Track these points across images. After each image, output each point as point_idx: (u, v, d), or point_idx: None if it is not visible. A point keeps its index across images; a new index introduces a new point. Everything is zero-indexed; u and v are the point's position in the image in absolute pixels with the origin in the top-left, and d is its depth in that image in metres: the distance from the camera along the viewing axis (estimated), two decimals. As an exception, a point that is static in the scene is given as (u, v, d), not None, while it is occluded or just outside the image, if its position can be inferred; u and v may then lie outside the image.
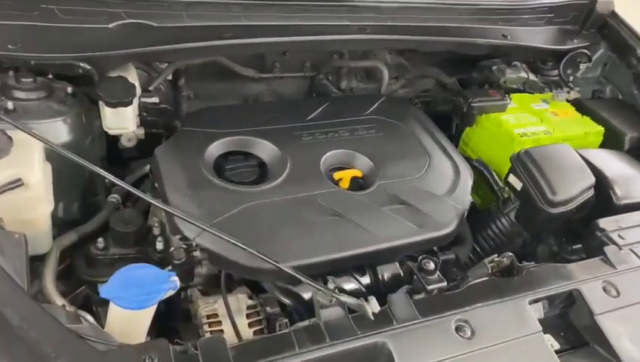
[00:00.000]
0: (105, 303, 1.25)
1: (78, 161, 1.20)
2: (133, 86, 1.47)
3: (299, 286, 1.34)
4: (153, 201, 1.21)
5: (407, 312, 1.13)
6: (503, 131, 1.80)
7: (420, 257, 1.27)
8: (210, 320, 1.33)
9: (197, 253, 1.38)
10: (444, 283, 1.23)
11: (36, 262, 1.35)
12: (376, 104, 1.81)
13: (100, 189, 1.63)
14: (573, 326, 1.32)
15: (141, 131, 1.65)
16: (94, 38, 1.48)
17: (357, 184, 1.58)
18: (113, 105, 1.43)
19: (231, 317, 1.32)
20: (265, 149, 1.57)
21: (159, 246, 1.42)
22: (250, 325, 1.35)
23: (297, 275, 1.14)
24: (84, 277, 1.41)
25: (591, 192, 1.56)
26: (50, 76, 1.51)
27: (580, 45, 2.12)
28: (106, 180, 1.60)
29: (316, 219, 1.40)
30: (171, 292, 1.06)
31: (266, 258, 1.15)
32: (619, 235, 1.45)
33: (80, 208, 1.56)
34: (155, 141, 1.64)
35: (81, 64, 1.46)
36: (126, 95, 1.44)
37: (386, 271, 1.43)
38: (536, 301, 1.24)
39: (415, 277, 1.25)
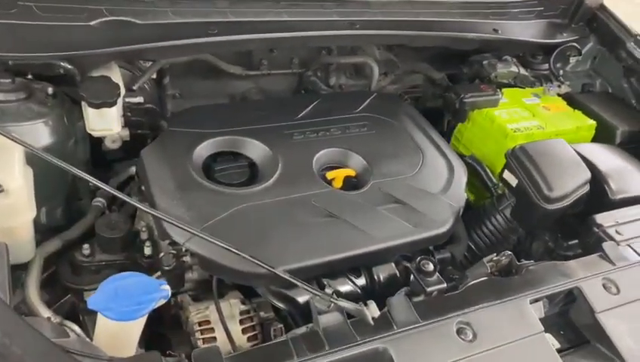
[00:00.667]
0: (92, 312, 1.21)
1: (61, 165, 1.14)
2: (117, 85, 1.42)
3: (293, 289, 1.30)
4: (140, 206, 1.16)
5: (407, 316, 1.10)
6: (495, 127, 1.78)
7: (419, 258, 1.24)
8: (202, 327, 1.29)
9: (187, 258, 1.34)
10: (444, 285, 1.20)
11: (18, 271, 1.30)
12: (368, 101, 1.78)
13: (84, 193, 1.58)
14: (573, 324, 1.30)
15: (126, 132, 1.60)
16: (75, 36, 1.43)
17: (350, 183, 1.54)
18: (97, 106, 1.37)
19: (224, 324, 1.28)
20: (255, 149, 1.53)
21: (147, 251, 1.38)
22: (243, 331, 1.31)
23: (293, 280, 1.10)
24: (70, 285, 1.36)
25: (586, 187, 1.54)
26: (30, 76, 1.45)
27: (569, 39, 2.11)
28: (91, 184, 1.57)
29: (310, 220, 1.36)
30: (162, 302, 1.02)
31: (259, 262, 1.11)
32: (616, 231, 1.43)
33: (64, 213, 1.51)
34: (140, 142, 1.59)
35: (61, 63, 1.41)
36: (110, 95, 1.38)
37: (382, 272, 1.40)
38: (536, 300, 1.22)
39: (413, 279, 1.22)
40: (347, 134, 1.63)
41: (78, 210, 1.55)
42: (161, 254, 1.29)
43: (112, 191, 1.16)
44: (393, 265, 1.41)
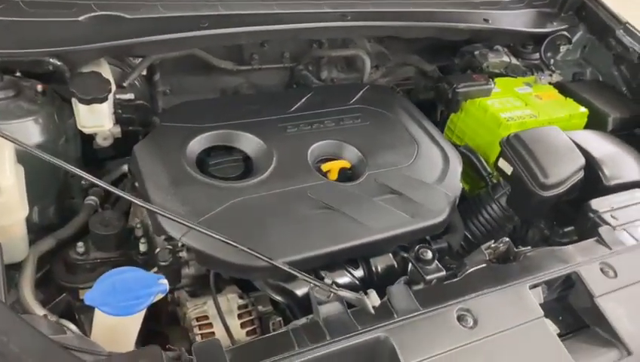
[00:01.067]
0: (88, 310, 1.19)
1: (54, 162, 1.12)
2: (108, 81, 1.40)
3: (291, 282, 1.29)
4: (136, 200, 1.14)
5: (408, 304, 1.09)
6: (489, 116, 1.78)
7: (417, 247, 1.24)
8: (200, 323, 1.28)
9: (183, 254, 1.32)
10: (443, 273, 1.20)
11: (12, 271, 1.28)
12: (361, 93, 1.77)
13: (76, 192, 1.56)
14: (571, 309, 1.30)
15: (117, 129, 1.58)
16: (64, 32, 1.41)
17: (346, 175, 1.54)
18: (87, 102, 1.36)
19: (222, 318, 1.26)
20: (249, 143, 1.51)
21: (143, 248, 1.36)
22: (242, 325, 1.30)
23: (292, 271, 1.10)
24: (65, 284, 1.35)
25: (581, 174, 1.55)
26: (18, 74, 1.43)
27: (559, 28, 2.11)
28: (83, 181, 1.55)
29: (306, 212, 1.35)
30: (160, 296, 1.00)
31: (258, 254, 1.10)
32: (612, 216, 1.44)
33: (56, 212, 1.49)
34: (131, 139, 1.57)
35: (50, 60, 1.39)
36: (100, 91, 1.37)
37: (380, 263, 1.39)
38: (535, 286, 1.22)
39: (412, 267, 1.22)
40: (341, 126, 1.63)
41: (71, 208, 1.53)
42: (157, 250, 1.28)
43: (107, 187, 1.13)
44: (391, 255, 1.41)
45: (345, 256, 1.35)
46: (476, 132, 1.82)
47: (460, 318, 1.09)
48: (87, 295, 0.96)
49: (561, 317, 1.29)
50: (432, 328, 1.07)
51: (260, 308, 1.35)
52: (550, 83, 2.03)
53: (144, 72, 1.75)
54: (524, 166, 1.51)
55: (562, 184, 1.50)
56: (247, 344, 1.01)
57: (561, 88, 2.02)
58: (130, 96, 1.62)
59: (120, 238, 1.38)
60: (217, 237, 1.10)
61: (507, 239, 1.30)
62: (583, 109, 1.91)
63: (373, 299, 1.07)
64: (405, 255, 1.35)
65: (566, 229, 1.62)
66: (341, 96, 1.76)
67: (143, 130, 1.65)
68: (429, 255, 1.22)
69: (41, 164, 1.35)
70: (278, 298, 1.30)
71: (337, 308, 1.07)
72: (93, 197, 1.52)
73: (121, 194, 1.14)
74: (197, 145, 1.47)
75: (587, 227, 1.44)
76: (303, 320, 1.12)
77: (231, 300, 1.34)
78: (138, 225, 1.40)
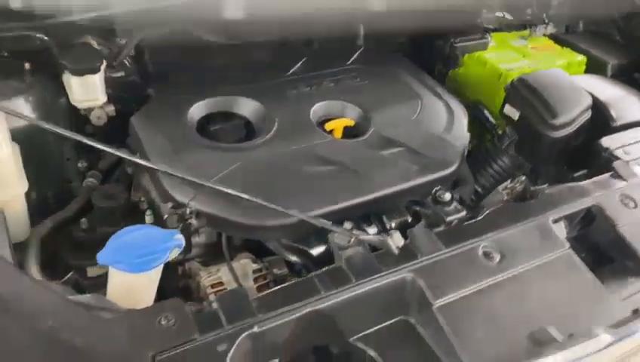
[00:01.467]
0: (97, 288, 1.14)
1: (55, 130, 1.08)
2: (99, 51, 1.36)
3: (306, 242, 1.25)
4: (141, 161, 1.10)
5: (431, 244, 1.06)
6: (488, 69, 1.76)
7: (434, 190, 1.20)
8: (215, 289, 1.23)
9: (193, 221, 1.28)
10: (464, 212, 1.17)
11: (15, 252, 1.23)
12: (357, 54, 1.74)
13: (73, 175, 1.52)
14: (592, 247, 1.27)
15: (111, 107, 1.53)
16: (47, 5, 1.35)
17: (350, 133, 1.50)
18: (80, 73, 1.31)
19: (237, 282, 1.22)
20: (249, 107, 1.47)
21: (149, 220, 1.32)
22: (258, 289, 1.25)
23: (311, 220, 1.06)
24: (71, 263, 1.30)
25: (589, 113, 1.52)
26: (5, 54, 1.38)
27: (549, -20, 2.09)
28: (79, 164, 1.51)
29: (315, 170, 1.31)
30: (177, 252, 0.96)
31: (276, 207, 1.06)
32: (624, 151, 1.42)
33: (54, 196, 1.45)
34: (126, 121, 1.53)
35: (37, 35, 1.33)
36: (92, 61, 1.32)
37: (393, 219, 1.35)
38: (557, 221, 1.19)
39: (430, 211, 1.18)
40: (341, 86, 1.59)
41: (69, 192, 1.48)
42: (165, 216, 1.23)
43: (108, 150, 1.09)
44: (404, 210, 1.37)
45: (357, 212, 1.31)
46: (476, 86, 1.80)
47: (485, 255, 1.06)
48: (99, 255, 0.92)
49: (584, 255, 1.26)
50: (458, 266, 1.04)
51: (275, 271, 1.31)
52: (545, 35, 2.01)
53: (133, 53, 1.70)
54: (532, 108, 1.48)
55: (571, 124, 1.48)
56: (271, 292, 0.97)
57: (556, 40, 2.00)
58: (121, 74, 1.57)
59: (124, 211, 1.34)
60: (230, 191, 1.06)
61: (524, 177, 1.28)
62: (581, 57, 1.89)
63: (396, 240, 1.04)
64: (418, 208, 1.32)
65: (577, 174, 1.59)
66: (337, 57, 1.72)
67: (136, 107, 1.60)
68: (447, 196, 1.18)
69: (35, 146, 1.31)
70: (294, 258, 1.26)
71: (360, 251, 1.04)
72: (91, 179, 1.48)
73: (126, 157, 1.10)
74: (196, 111, 1.43)
75: (600, 164, 1.41)
76: (324, 269, 1.08)
77: (245, 265, 1.29)
78: (142, 198, 1.35)
